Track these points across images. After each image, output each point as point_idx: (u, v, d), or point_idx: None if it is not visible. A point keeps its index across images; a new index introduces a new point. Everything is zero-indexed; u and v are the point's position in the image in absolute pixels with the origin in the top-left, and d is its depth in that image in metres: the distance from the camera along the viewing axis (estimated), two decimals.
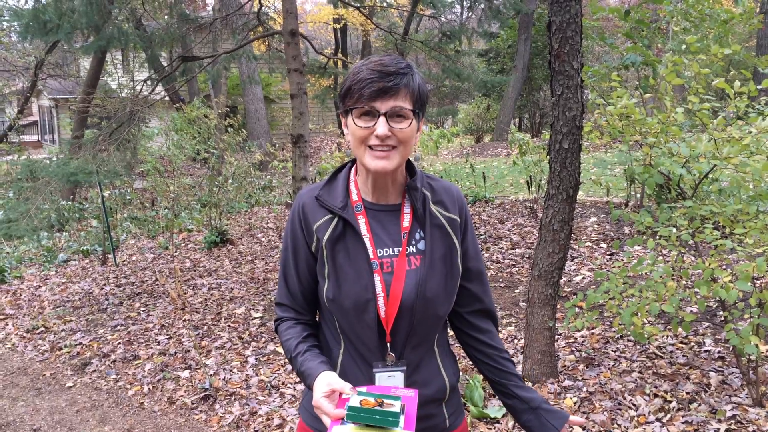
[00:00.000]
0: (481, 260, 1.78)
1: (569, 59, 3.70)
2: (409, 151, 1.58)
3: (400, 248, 1.62)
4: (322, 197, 1.65)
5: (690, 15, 5.06)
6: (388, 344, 1.61)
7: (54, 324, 6.66)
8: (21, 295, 8.02)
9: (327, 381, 1.49)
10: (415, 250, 1.63)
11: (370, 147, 1.54)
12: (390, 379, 1.60)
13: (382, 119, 1.51)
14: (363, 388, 1.48)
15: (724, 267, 3.92)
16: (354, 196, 1.66)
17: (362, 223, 1.63)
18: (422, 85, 1.58)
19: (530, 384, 4.06)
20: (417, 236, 1.65)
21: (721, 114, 3.85)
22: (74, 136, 13.21)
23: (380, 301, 1.58)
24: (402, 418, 1.40)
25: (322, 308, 1.71)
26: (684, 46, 4.33)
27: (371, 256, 1.60)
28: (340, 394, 1.47)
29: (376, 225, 1.64)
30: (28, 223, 7.01)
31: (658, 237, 3.73)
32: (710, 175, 4.03)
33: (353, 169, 1.71)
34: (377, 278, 1.59)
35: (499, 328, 5.15)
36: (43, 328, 6.57)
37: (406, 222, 1.65)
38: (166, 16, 9.76)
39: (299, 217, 1.67)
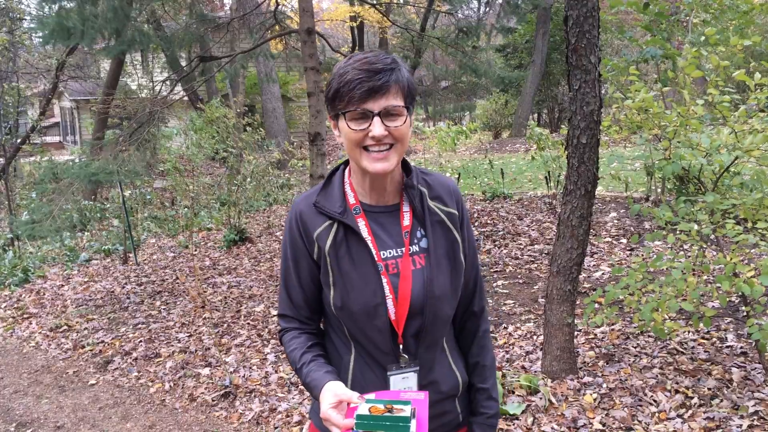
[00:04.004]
0: (476, 256, 1.75)
1: (586, 53, 3.67)
2: (405, 148, 1.55)
3: (403, 248, 1.60)
4: (320, 203, 1.61)
5: (710, 6, 4.99)
6: (401, 346, 1.59)
7: (77, 322, 6.74)
8: (44, 294, 8.14)
9: (334, 392, 1.47)
10: (417, 249, 1.61)
11: (366, 149, 1.51)
12: (404, 381, 1.58)
13: (376, 120, 1.47)
14: (371, 395, 1.46)
15: (746, 261, 3.87)
16: (351, 199, 1.62)
17: (362, 225, 1.59)
18: (410, 78, 1.55)
19: (549, 381, 4.04)
20: (418, 234, 1.62)
21: (742, 106, 3.80)
22: (95, 137, 13.37)
23: (389, 304, 1.56)
24: (413, 423, 1.39)
25: (328, 315, 1.67)
26: (703, 38, 4.27)
27: (376, 259, 1.57)
28: (348, 403, 1.45)
29: (377, 227, 1.61)
30: (51, 224, 7.12)
31: (678, 232, 3.69)
32: (731, 169, 3.97)
33: (347, 171, 1.67)
34: (384, 281, 1.56)
35: (518, 325, 5.14)
36: (66, 327, 6.66)
37: (407, 221, 1.62)
38: (184, 17, 9.84)
39: (298, 226, 1.62)
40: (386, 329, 1.56)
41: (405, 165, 1.66)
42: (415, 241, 1.62)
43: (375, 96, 1.47)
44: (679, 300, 3.65)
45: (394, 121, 1.50)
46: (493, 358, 1.77)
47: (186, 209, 11.42)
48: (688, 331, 4.58)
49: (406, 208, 1.63)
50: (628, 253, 6.51)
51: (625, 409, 3.64)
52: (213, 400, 4.61)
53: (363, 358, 1.62)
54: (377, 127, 1.47)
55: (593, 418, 3.59)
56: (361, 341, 1.60)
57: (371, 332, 1.57)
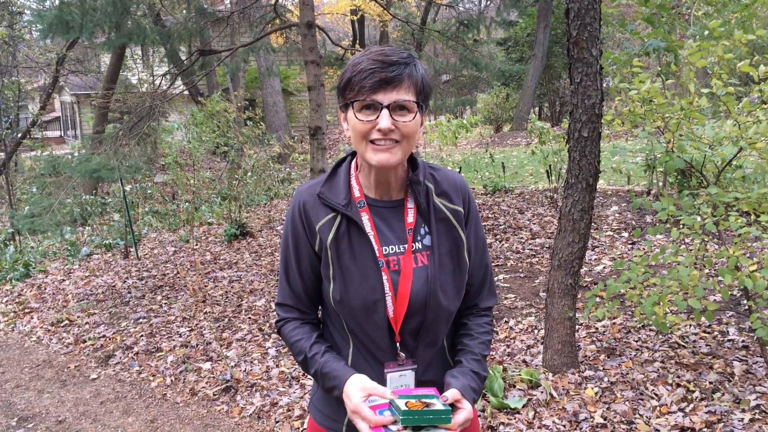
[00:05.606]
0: (486, 254, 1.71)
1: (588, 46, 3.65)
2: (412, 145, 1.51)
3: (406, 245, 1.57)
4: (324, 194, 1.58)
5: None
6: (398, 344, 1.57)
7: (78, 317, 6.75)
8: (45, 288, 8.14)
9: (362, 385, 1.46)
10: (420, 246, 1.58)
11: (372, 141, 1.47)
12: (401, 378, 1.57)
13: (385, 112, 1.44)
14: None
15: (748, 255, 3.86)
16: (356, 192, 1.59)
17: (366, 220, 1.57)
18: (425, 76, 1.51)
19: (551, 374, 4.04)
20: (422, 231, 1.59)
21: (745, 98, 3.78)
22: (95, 132, 13.37)
23: (388, 301, 1.54)
24: None
25: (327, 307, 1.65)
26: (706, 32, 4.24)
27: (377, 254, 1.54)
28: (368, 396, 1.45)
29: (380, 222, 1.58)
30: (51, 218, 7.11)
31: (681, 225, 3.68)
32: (734, 162, 3.96)
33: (353, 164, 1.64)
34: (384, 277, 1.54)
35: (519, 319, 5.14)
36: (67, 321, 6.67)
37: (411, 217, 1.59)
38: (184, 11, 9.82)
39: (300, 216, 1.60)
40: (384, 326, 1.55)
41: (412, 160, 1.63)
42: (419, 238, 1.59)
43: (386, 88, 1.44)
44: (681, 293, 3.64)
45: (403, 116, 1.47)
46: (487, 354, 1.74)
47: (187, 204, 11.41)
48: (690, 325, 4.57)
49: (410, 204, 1.61)
50: (630, 246, 6.50)
51: (627, 402, 3.64)
52: (214, 395, 4.62)
53: (360, 353, 1.60)
54: (384, 120, 1.44)
55: (594, 411, 3.58)
56: (359, 336, 1.59)
57: (369, 328, 1.55)
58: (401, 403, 1.39)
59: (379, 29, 24.24)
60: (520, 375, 4.03)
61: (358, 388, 1.46)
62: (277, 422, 4.11)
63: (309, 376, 4.62)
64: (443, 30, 10.71)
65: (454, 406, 1.48)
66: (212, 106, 10.03)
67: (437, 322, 1.58)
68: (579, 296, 4.19)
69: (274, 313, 6.07)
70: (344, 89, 1.50)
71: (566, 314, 4.01)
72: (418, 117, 1.49)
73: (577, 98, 3.75)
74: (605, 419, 3.51)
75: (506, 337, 4.87)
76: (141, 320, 6.38)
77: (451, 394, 1.49)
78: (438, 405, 1.40)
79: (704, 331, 4.47)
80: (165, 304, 6.84)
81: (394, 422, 1.39)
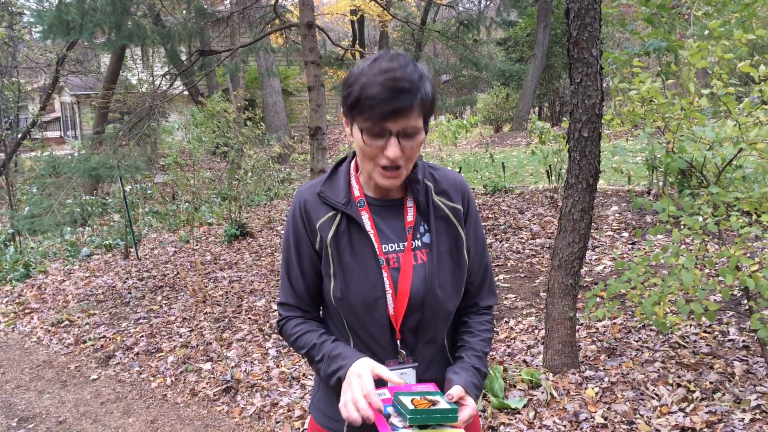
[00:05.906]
0: (486, 253, 1.72)
1: (588, 46, 3.65)
2: (414, 160, 1.53)
3: (405, 243, 1.58)
4: (325, 193, 1.59)
5: None
6: (398, 341, 1.58)
7: (78, 317, 6.75)
8: (46, 289, 8.14)
9: (371, 365, 1.45)
10: (420, 244, 1.59)
11: (380, 166, 1.48)
12: (402, 377, 1.56)
13: (393, 140, 1.44)
14: (385, 390, 1.45)
15: (749, 255, 3.85)
16: (356, 192, 1.60)
17: (365, 218, 1.58)
18: (432, 92, 1.49)
19: (551, 375, 4.04)
20: (422, 230, 1.60)
21: (746, 99, 3.77)
22: (95, 132, 13.38)
23: (389, 298, 1.55)
24: None
25: (328, 306, 1.66)
26: (706, 32, 4.24)
27: (377, 252, 1.55)
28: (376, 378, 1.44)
29: (380, 221, 1.59)
30: (51, 218, 7.12)
31: (682, 226, 3.68)
32: (734, 162, 3.96)
33: (353, 164, 1.65)
34: (385, 275, 1.55)
35: (519, 319, 5.14)
36: (67, 322, 6.67)
37: (410, 216, 1.60)
38: (183, 11, 9.82)
39: (301, 215, 1.61)
40: (385, 323, 1.55)
41: None
42: (418, 235, 1.60)
43: (396, 117, 1.42)
44: (681, 293, 3.64)
45: (410, 141, 1.46)
46: (488, 351, 1.73)
47: (187, 204, 11.41)
48: (690, 325, 4.57)
49: (410, 203, 1.62)
50: (630, 246, 6.50)
51: (627, 403, 3.63)
52: (214, 395, 4.62)
53: (362, 351, 1.59)
54: (392, 149, 1.44)
55: (595, 412, 3.58)
56: (360, 334, 1.59)
57: (370, 325, 1.56)
58: (407, 402, 1.38)
59: (378, 29, 24.25)
60: (520, 375, 4.03)
61: (367, 366, 1.45)
62: (277, 423, 4.11)
63: (309, 376, 4.62)
64: (443, 30, 10.71)
65: (458, 403, 1.47)
66: (212, 106, 10.03)
67: (436, 319, 1.59)
68: (579, 296, 4.19)
69: (275, 312, 6.07)
70: (352, 107, 1.47)
71: (566, 314, 4.01)
72: (424, 136, 1.50)
73: (577, 98, 3.75)
74: (606, 419, 3.51)
75: (506, 337, 4.87)
76: (141, 321, 6.38)
77: (456, 391, 1.48)
78: (443, 403, 1.40)
79: (705, 331, 4.46)
80: (165, 304, 6.84)
81: (388, 416, 1.39)
